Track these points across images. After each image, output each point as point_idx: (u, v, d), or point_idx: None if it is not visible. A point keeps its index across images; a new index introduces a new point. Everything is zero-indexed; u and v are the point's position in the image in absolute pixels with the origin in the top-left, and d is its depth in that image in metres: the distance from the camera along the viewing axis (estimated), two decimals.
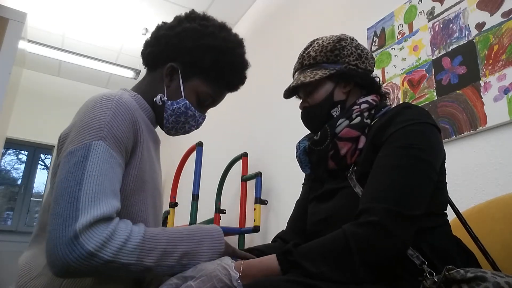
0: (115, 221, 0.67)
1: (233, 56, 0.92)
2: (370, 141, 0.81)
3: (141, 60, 0.98)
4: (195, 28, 0.90)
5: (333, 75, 0.90)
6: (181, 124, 0.93)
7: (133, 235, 0.68)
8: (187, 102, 0.90)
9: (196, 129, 0.97)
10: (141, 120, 0.82)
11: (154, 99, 0.90)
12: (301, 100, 0.99)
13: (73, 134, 0.74)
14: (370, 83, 0.93)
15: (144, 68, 0.97)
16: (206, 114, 0.97)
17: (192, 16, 0.94)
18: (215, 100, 0.96)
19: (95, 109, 0.75)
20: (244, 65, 0.96)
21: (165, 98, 0.90)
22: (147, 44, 0.95)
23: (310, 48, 0.95)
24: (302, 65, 0.95)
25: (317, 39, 0.97)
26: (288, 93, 0.98)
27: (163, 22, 0.96)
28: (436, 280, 0.62)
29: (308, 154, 0.93)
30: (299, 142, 0.96)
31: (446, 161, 0.84)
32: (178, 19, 0.94)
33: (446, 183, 0.84)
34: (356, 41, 0.95)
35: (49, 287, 0.71)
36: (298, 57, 0.97)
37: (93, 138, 0.71)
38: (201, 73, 0.90)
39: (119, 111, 0.75)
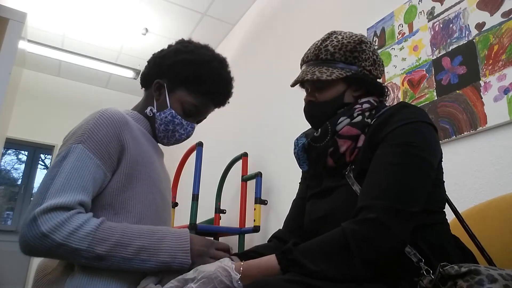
0: (74, 211, 0.76)
1: (209, 68, 1.01)
2: (368, 140, 0.82)
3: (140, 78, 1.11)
4: (177, 48, 1.04)
5: (349, 77, 0.88)
6: (171, 133, 1.03)
7: (87, 223, 0.76)
8: (173, 111, 1.01)
9: (187, 137, 1.07)
10: (136, 130, 0.94)
11: (145, 111, 1.03)
12: (305, 92, 0.96)
13: (64, 140, 0.89)
14: (379, 91, 0.92)
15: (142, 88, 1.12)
16: (195, 123, 1.07)
17: (179, 41, 1.08)
18: (199, 110, 1.04)
19: (84, 120, 0.89)
20: (223, 78, 1.04)
21: (155, 110, 1.02)
22: (144, 68, 1.09)
23: (328, 42, 0.91)
24: (318, 57, 0.91)
25: (335, 32, 0.93)
26: (295, 83, 0.95)
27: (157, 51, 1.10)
28: (432, 277, 0.63)
29: (307, 151, 0.93)
30: (297, 139, 0.95)
31: (446, 161, 0.85)
32: (168, 45, 1.08)
33: (444, 181, 0.84)
34: (374, 45, 0.93)
35: (58, 280, 0.79)
36: (314, 48, 0.92)
37: (74, 142, 0.84)
38: (182, 85, 1.02)
39: (101, 120, 0.86)
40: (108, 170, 0.85)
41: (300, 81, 0.92)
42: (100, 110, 0.89)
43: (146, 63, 1.08)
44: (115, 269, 0.77)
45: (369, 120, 0.85)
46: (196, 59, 1.01)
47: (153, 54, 1.09)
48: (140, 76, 1.10)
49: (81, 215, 0.77)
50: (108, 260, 0.76)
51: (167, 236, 0.82)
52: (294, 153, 0.95)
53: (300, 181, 1.08)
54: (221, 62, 1.05)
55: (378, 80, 0.93)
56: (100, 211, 0.84)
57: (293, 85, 0.95)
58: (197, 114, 1.05)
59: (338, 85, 0.89)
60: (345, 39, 0.90)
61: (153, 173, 0.93)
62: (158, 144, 1.07)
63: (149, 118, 1.03)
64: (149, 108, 1.02)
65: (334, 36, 0.92)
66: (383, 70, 0.95)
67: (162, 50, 1.06)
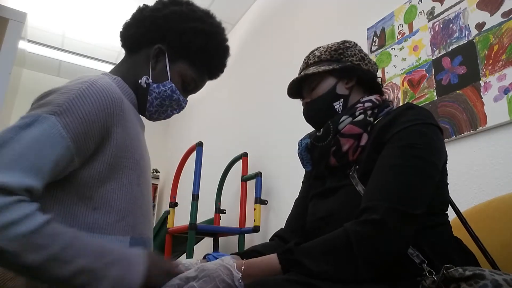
0: (15, 198, 0.57)
1: (219, 41, 0.92)
2: (373, 141, 0.82)
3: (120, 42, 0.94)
4: (183, 11, 0.88)
5: (336, 70, 0.92)
6: (165, 108, 0.90)
7: (27, 220, 0.57)
8: (173, 85, 0.88)
9: (177, 113, 0.95)
10: (127, 107, 0.79)
11: (139, 81, 0.86)
12: (302, 101, 1.00)
13: (35, 103, 0.71)
14: (372, 81, 0.94)
15: (124, 50, 0.94)
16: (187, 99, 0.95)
17: (177, 1, 0.92)
18: (197, 85, 0.94)
19: (64, 87, 0.72)
20: (227, 51, 0.96)
21: (150, 80, 0.86)
22: (129, 26, 0.91)
23: (315, 50, 0.98)
24: (307, 64, 0.96)
25: (321, 46, 1.00)
26: (292, 92, 1.00)
27: (144, 4, 0.93)
28: (435, 279, 0.63)
29: (310, 151, 0.94)
30: (301, 140, 0.97)
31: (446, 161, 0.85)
32: (162, 3, 0.91)
33: (448, 183, 0.84)
34: (359, 46, 0.98)
35: None
36: (304, 59, 0.99)
37: (46, 112, 0.66)
38: (188, 56, 0.89)
39: (87, 92, 0.70)
40: (78, 155, 0.68)
41: (291, 86, 0.97)
42: (88, 79, 0.72)
43: (137, 22, 0.89)
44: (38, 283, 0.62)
45: (371, 119, 0.86)
46: (208, 29, 0.89)
47: (141, 9, 0.90)
48: (125, 36, 0.91)
49: (24, 206, 0.58)
50: (35, 274, 0.58)
51: (119, 262, 0.64)
52: (298, 153, 0.96)
53: (302, 180, 1.09)
54: (225, 34, 0.95)
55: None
56: (75, 204, 0.70)
57: (289, 95, 1.00)
58: (194, 90, 0.95)
59: (328, 79, 0.92)
60: (330, 44, 0.97)
61: (141, 159, 0.81)
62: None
63: (138, 89, 0.87)
64: (144, 78, 0.86)
65: (321, 46, 0.99)
66: (376, 69, 0.98)
67: (158, 10, 0.88)
